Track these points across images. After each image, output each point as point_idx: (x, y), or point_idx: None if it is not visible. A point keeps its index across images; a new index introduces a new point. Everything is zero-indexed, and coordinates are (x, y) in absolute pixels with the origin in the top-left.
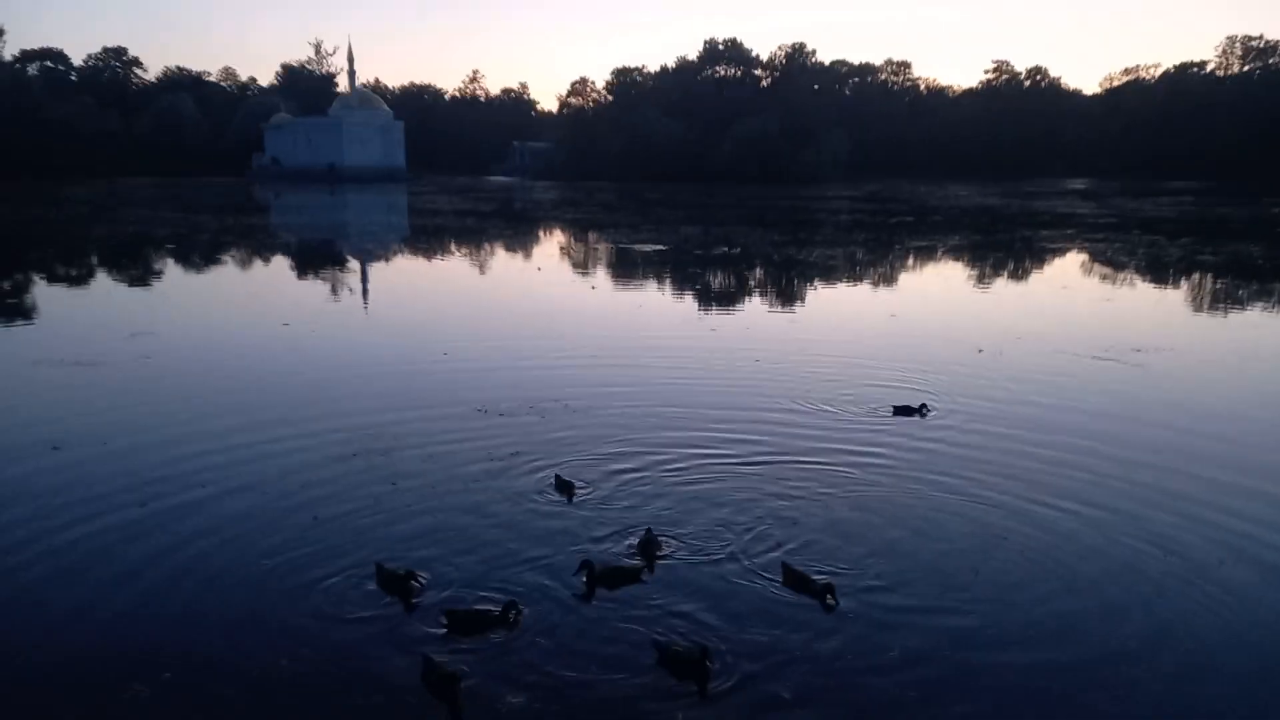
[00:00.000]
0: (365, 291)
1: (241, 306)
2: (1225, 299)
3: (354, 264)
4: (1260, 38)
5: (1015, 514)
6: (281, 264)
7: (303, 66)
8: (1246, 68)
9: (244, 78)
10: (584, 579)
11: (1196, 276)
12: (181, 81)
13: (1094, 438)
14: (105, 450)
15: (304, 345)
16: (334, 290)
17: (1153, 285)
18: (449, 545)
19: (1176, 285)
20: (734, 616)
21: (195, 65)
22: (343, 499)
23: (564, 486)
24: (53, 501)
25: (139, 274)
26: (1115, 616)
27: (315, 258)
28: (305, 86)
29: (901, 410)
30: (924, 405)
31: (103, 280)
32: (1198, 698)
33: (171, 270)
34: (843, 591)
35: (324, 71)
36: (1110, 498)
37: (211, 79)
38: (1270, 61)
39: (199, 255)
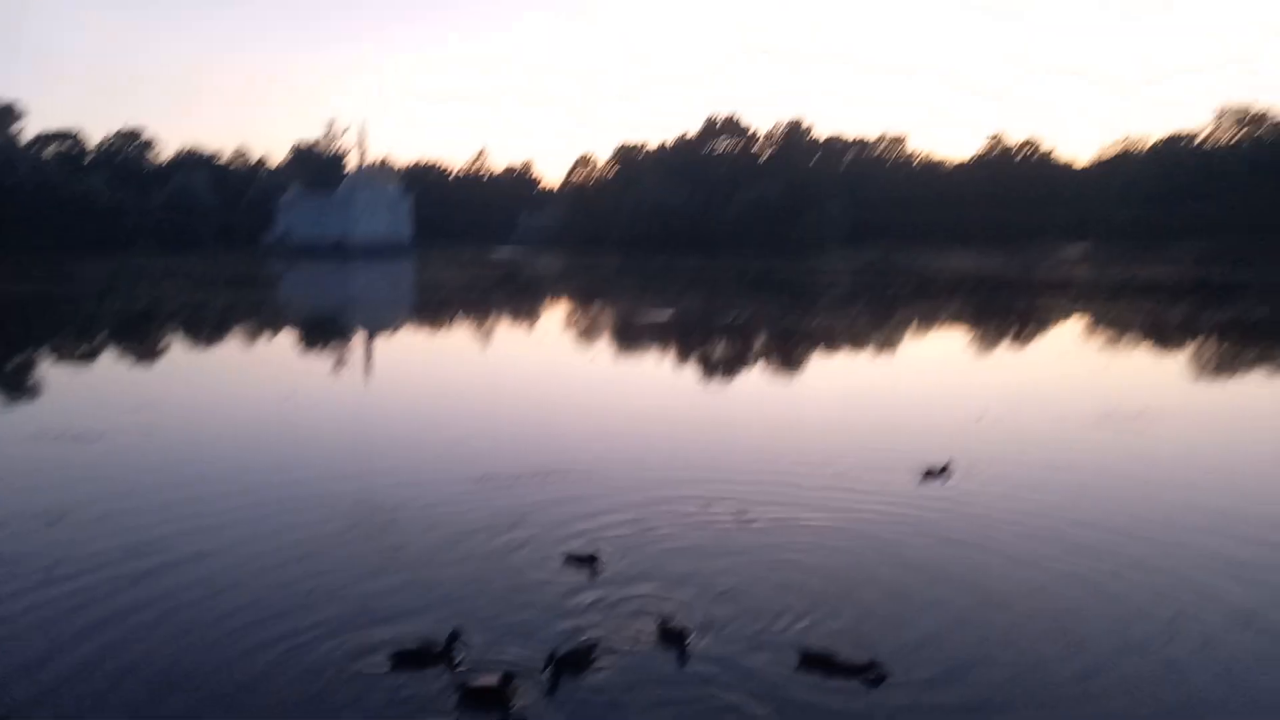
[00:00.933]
0: (368, 362)
1: (245, 380)
2: (1223, 361)
3: (358, 336)
4: (1252, 107)
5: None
6: (286, 340)
7: (314, 145)
8: (1237, 137)
9: (256, 156)
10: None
11: (1193, 341)
12: (195, 161)
13: (1090, 506)
14: (103, 522)
15: (308, 416)
16: (337, 362)
17: (1152, 349)
18: (448, 611)
19: (1173, 349)
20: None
21: (209, 145)
22: (340, 569)
23: (584, 561)
24: (50, 571)
25: (146, 348)
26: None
27: (319, 332)
28: (316, 164)
29: (930, 473)
30: (947, 466)
31: (110, 355)
32: None
33: (178, 344)
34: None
35: (335, 150)
36: (1110, 566)
37: (223, 160)
38: (1260, 130)
39: (206, 329)
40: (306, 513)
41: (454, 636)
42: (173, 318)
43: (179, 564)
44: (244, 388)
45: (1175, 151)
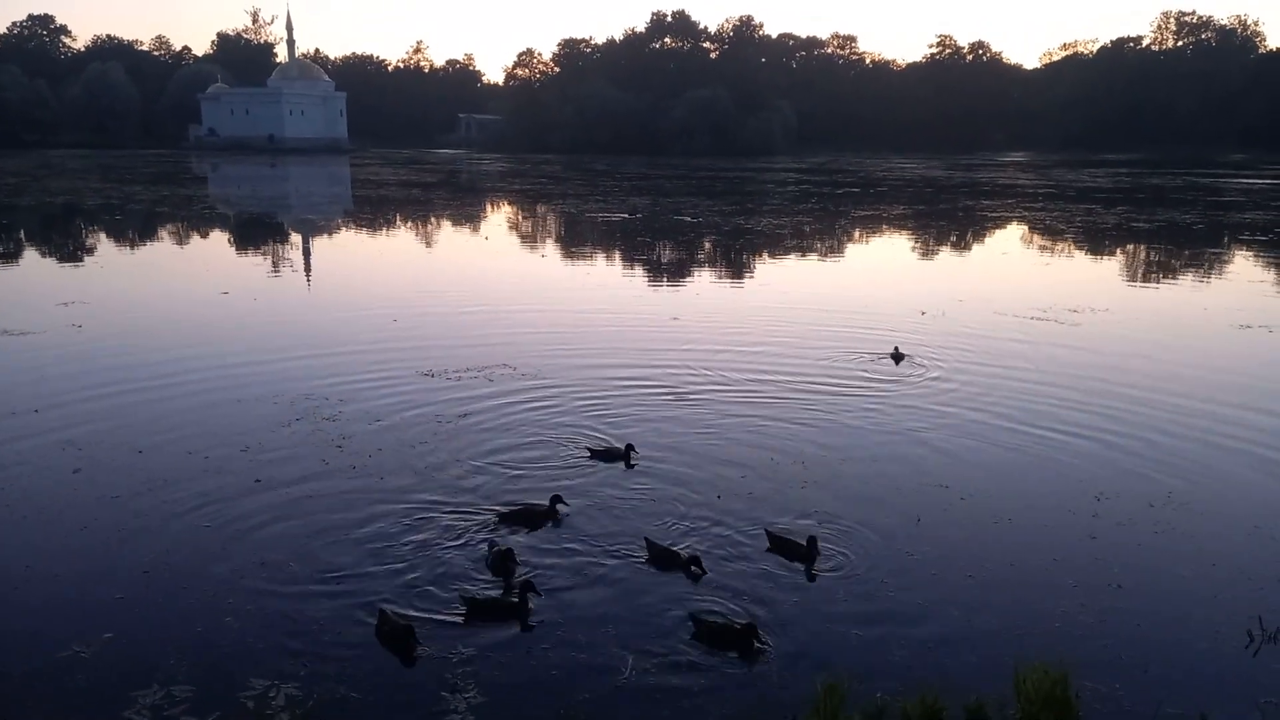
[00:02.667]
0: (308, 261)
1: (178, 276)
2: (1156, 263)
3: (296, 235)
4: (1193, 13)
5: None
6: (220, 235)
7: (239, 35)
8: (1180, 42)
9: (178, 47)
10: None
11: (1129, 243)
12: (112, 50)
13: (1027, 387)
14: (37, 418)
15: (244, 311)
16: (274, 260)
17: (1088, 251)
18: (395, 518)
19: (1111, 251)
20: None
21: (126, 34)
22: (288, 463)
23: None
24: None
25: (70, 245)
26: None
27: (256, 229)
28: (242, 56)
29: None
30: (898, 351)
31: (31, 252)
32: (1108, 611)
33: (104, 241)
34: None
35: (262, 41)
36: (1044, 432)
37: (144, 48)
38: (1203, 36)
39: (133, 226)
40: (246, 407)
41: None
42: (97, 215)
43: (114, 460)
44: (176, 285)
45: (1121, 55)
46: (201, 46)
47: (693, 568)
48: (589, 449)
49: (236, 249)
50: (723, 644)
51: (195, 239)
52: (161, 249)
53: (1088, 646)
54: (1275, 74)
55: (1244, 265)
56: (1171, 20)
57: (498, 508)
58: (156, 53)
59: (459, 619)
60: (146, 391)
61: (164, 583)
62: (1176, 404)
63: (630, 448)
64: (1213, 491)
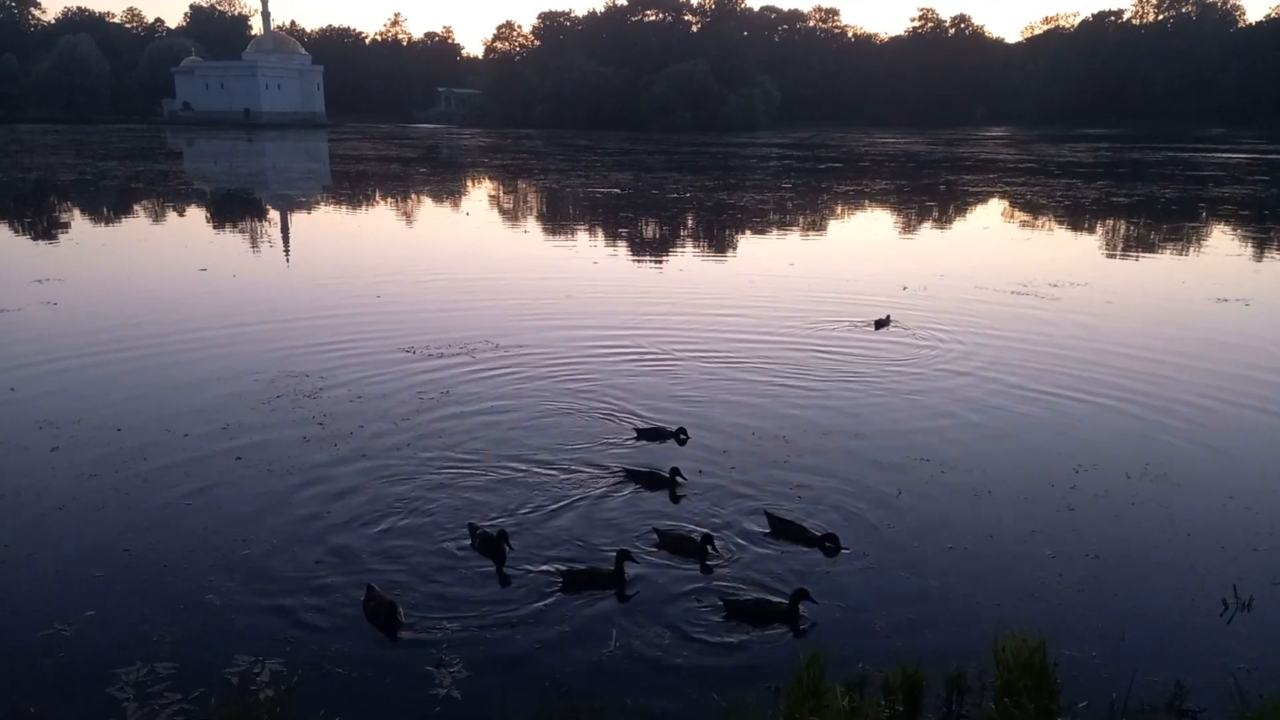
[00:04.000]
0: (286, 238)
1: (155, 253)
2: (1135, 238)
3: (274, 211)
4: None
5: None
6: (197, 212)
7: (213, 8)
8: (1161, 16)
9: (150, 19)
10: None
11: (1109, 217)
12: (82, 22)
13: (1005, 357)
14: (13, 396)
15: (223, 288)
16: (253, 237)
17: (1068, 226)
18: (379, 488)
19: (1090, 226)
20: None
21: (97, 6)
22: (268, 440)
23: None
24: None
25: (44, 222)
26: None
27: (233, 205)
28: (216, 29)
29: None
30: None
31: (4, 229)
32: (1089, 577)
33: (79, 218)
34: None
35: (236, 13)
36: (1024, 397)
37: (115, 20)
38: (1184, 10)
39: (108, 203)
40: (226, 385)
41: (502, 536)
42: (70, 192)
43: (92, 439)
44: (153, 262)
45: (1102, 29)
46: (175, 19)
47: (709, 548)
48: (636, 429)
49: (214, 225)
50: (764, 619)
51: (172, 215)
52: (138, 225)
53: (1065, 616)
54: (1253, 49)
55: (1221, 239)
56: None
57: (504, 463)
58: (129, 25)
59: (443, 592)
60: (124, 369)
61: (145, 561)
62: (1154, 377)
63: (682, 430)
64: (1188, 463)
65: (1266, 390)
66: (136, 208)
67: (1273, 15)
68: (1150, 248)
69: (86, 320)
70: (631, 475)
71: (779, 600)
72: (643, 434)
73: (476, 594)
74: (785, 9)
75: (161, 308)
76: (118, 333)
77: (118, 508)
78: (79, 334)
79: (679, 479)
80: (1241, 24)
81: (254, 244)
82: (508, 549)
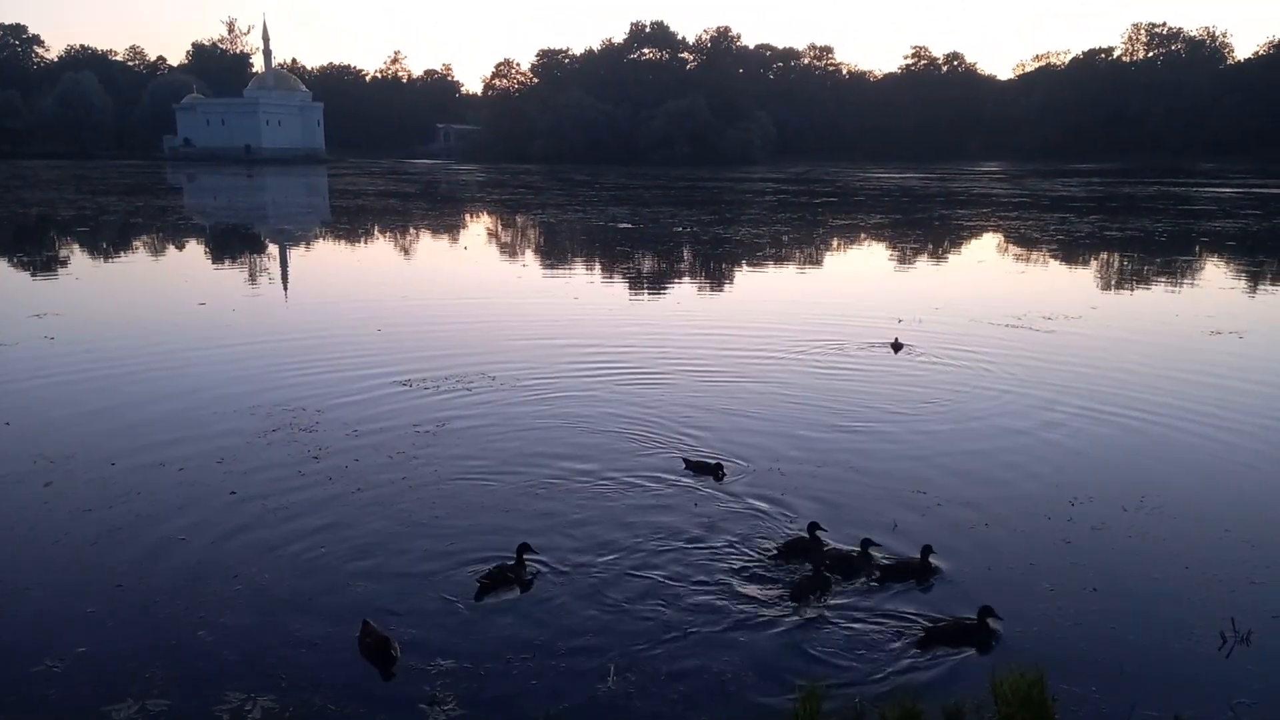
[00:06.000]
0: (285, 272)
1: (154, 287)
2: (1128, 271)
3: (273, 246)
4: (1164, 24)
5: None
6: (196, 246)
7: (215, 45)
8: (1151, 53)
9: (152, 57)
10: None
11: (1102, 251)
12: (85, 60)
13: (996, 379)
14: (9, 431)
15: (222, 322)
16: (252, 271)
17: (1062, 260)
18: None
19: (1084, 260)
20: None
21: (100, 44)
22: (264, 474)
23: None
24: None
25: (43, 256)
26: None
27: (233, 240)
28: (218, 66)
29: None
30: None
31: (3, 263)
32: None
33: (78, 253)
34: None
35: (238, 51)
36: (1019, 427)
37: (118, 58)
38: (1173, 47)
39: (108, 238)
40: (222, 419)
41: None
42: (70, 227)
43: (87, 473)
44: (151, 296)
45: (1092, 65)
46: (177, 57)
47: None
48: (685, 459)
49: (213, 260)
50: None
51: (171, 250)
52: (137, 260)
53: (1064, 649)
54: (1243, 85)
55: (1214, 273)
56: (1142, 31)
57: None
58: (131, 63)
59: (438, 628)
60: (120, 404)
61: (137, 596)
62: (1149, 409)
63: (720, 466)
64: (1185, 495)
65: (1262, 422)
66: (136, 243)
67: (1260, 52)
68: (1144, 281)
69: (83, 354)
70: (688, 464)
71: (969, 619)
72: (690, 465)
73: (471, 630)
74: (780, 47)
75: (159, 342)
76: (114, 367)
77: (110, 543)
78: (75, 368)
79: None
80: (1230, 60)
81: (253, 278)
82: (395, 654)
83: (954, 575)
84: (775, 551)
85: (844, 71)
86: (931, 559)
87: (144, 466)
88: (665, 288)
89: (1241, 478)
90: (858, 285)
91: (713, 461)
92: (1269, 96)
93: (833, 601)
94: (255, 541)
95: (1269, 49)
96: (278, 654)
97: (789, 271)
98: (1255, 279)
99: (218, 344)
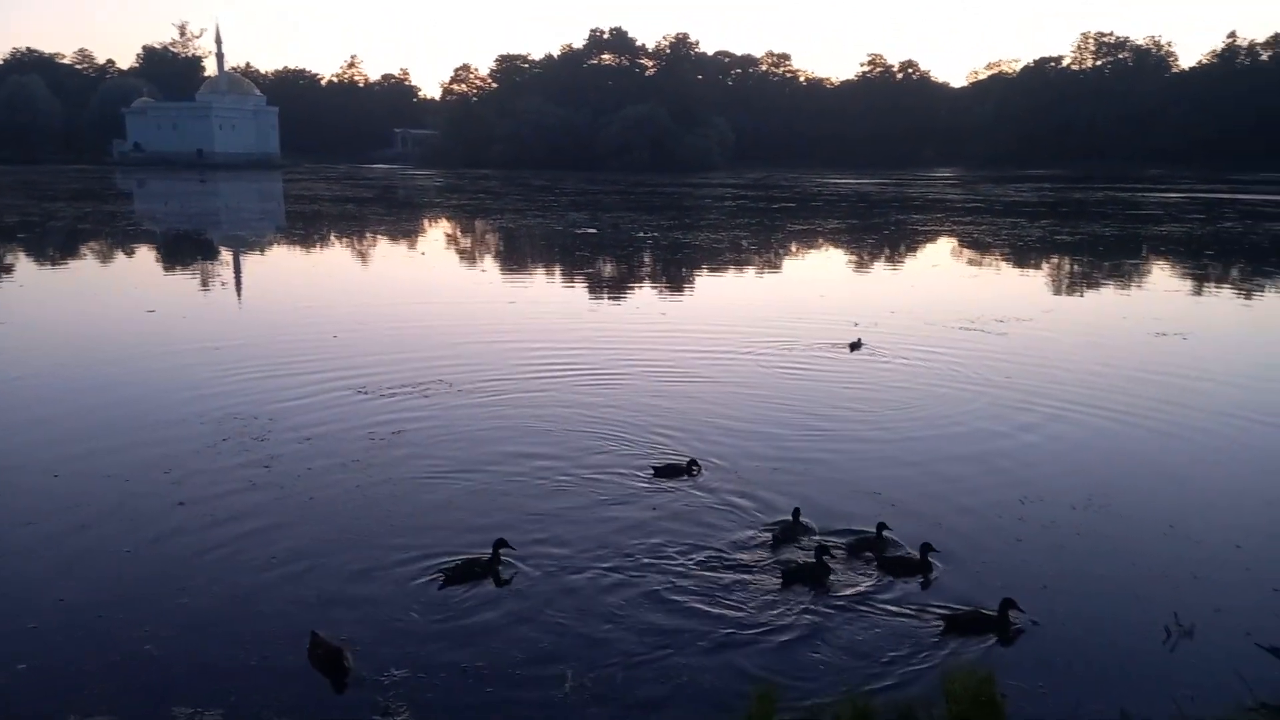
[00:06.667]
0: (239, 279)
1: (102, 295)
2: (1078, 275)
3: (226, 252)
4: (1111, 34)
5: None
6: (147, 253)
7: (166, 49)
8: (1099, 62)
9: (101, 60)
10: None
11: (1053, 255)
12: (32, 63)
13: (953, 373)
14: None
15: (171, 331)
16: (204, 278)
17: (1014, 264)
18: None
19: (1035, 264)
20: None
21: (47, 47)
22: (213, 484)
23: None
24: None
25: None
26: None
27: (184, 246)
28: (169, 70)
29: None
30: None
31: None
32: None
33: (24, 259)
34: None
35: (190, 54)
36: (970, 420)
37: (65, 61)
38: (1120, 56)
39: (55, 244)
40: (171, 428)
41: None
42: (16, 233)
43: (29, 484)
44: (99, 304)
45: (1043, 74)
46: (127, 60)
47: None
48: (652, 468)
49: (164, 267)
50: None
51: (120, 257)
52: (84, 267)
53: (1013, 647)
54: (1188, 93)
55: (1160, 276)
56: (1090, 40)
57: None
58: (80, 66)
59: (390, 638)
60: (62, 413)
61: (82, 610)
62: (1097, 410)
63: (694, 462)
64: (1131, 493)
65: (1205, 421)
66: (83, 250)
67: (1204, 61)
68: (1093, 284)
69: (27, 363)
70: (657, 472)
71: (990, 611)
72: (659, 472)
73: (426, 639)
74: (739, 53)
75: (105, 350)
76: (58, 376)
77: (52, 556)
78: (18, 377)
79: (695, 469)
80: (1176, 69)
81: (205, 285)
82: (348, 665)
83: (910, 536)
84: (773, 539)
85: (801, 78)
86: (930, 556)
87: (88, 477)
88: (626, 292)
89: (1185, 475)
90: (815, 289)
91: (683, 461)
92: (1212, 105)
93: (776, 609)
94: (203, 552)
95: (1212, 58)
96: (226, 667)
97: (748, 276)
98: (1199, 281)
99: (167, 352)
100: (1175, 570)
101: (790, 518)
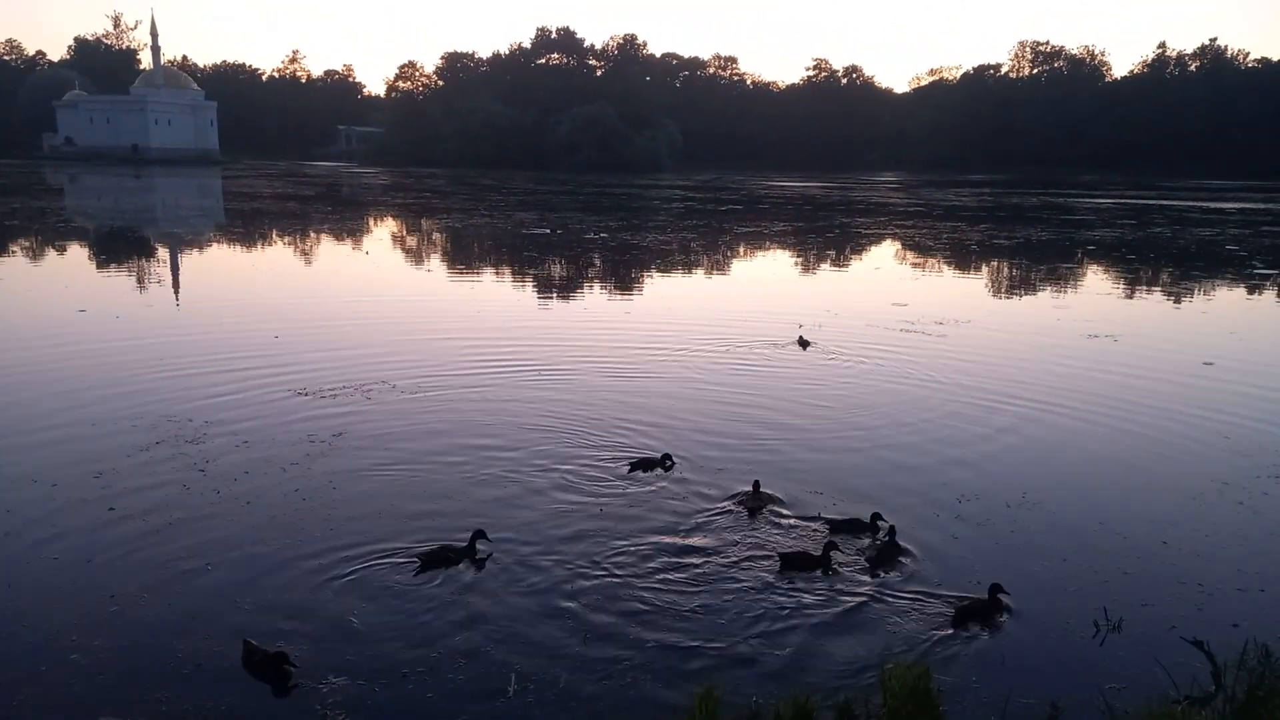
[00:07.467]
0: (176, 277)
1: (29, 293)
2: (1015, 278)
3: (162, 249)
4: (1047, 43)
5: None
6: (78, 250)
7: (99, 41)
8: (1036, 70)
9: (31, 51)
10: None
11: (991, 259)
12: None
13: (893, 369)
14: None
15: (103, 330)
16: (139, 276)
17: (954, 266)
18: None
19: (974, 267)
20: None
21: None
22: (145, 489)
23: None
24: None
25: None
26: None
27: (118, 243)
28: (103, 62)
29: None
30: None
31: None
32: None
33: None
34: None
35: (124, 47)
36: (901, 421)
37: None
38: (1056, 65)
39: None
40: (102, 431)
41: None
42: None
43: None
44: (26, 303)
45: (982, 81)
46: (58, 51)
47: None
48: (629, 463)
49: (96, 265)
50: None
51: (50, 254)
52: (11, 265)
53: (948, 642)
54: (1119, 101)
55: (1093, 279)
56: (1028, 49)
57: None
58: (8, 56)
59: (327, 644)
60: None
61: (5, 620)
62: (1030, 409)
63: (667, 456)
64: (1063, 491)
65: (1134, 421)
66: (10, 247)
67: (1135, 70)
68: (1029, 287)
69: None
70: (634, 466)
71: (977, 597)
72: (635, 465)
73: (365, 646)
74: (686, 56)
75: (34, 352)
76: None
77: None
78: None
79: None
80: (1109, 78)
81: (140, 284)
82: (289, 669)
83: (841, 569)
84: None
85: (748, 81)
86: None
87: (13, 482)
88: (575, 293)
89: (1115, 473)
90: (762, 289)
91: (658, 455)
92: (1143, 113)
93: (714, 608)
94: (134, 560)
95: (1143, 68)
96: (157, 678)
97: (697, 277)
98: (1130, 284)
99: (97, 353)
100: (1105, 565)
101: (751, 489)
